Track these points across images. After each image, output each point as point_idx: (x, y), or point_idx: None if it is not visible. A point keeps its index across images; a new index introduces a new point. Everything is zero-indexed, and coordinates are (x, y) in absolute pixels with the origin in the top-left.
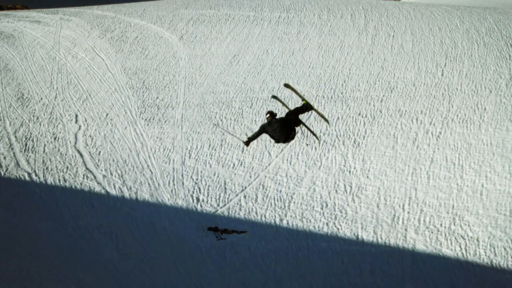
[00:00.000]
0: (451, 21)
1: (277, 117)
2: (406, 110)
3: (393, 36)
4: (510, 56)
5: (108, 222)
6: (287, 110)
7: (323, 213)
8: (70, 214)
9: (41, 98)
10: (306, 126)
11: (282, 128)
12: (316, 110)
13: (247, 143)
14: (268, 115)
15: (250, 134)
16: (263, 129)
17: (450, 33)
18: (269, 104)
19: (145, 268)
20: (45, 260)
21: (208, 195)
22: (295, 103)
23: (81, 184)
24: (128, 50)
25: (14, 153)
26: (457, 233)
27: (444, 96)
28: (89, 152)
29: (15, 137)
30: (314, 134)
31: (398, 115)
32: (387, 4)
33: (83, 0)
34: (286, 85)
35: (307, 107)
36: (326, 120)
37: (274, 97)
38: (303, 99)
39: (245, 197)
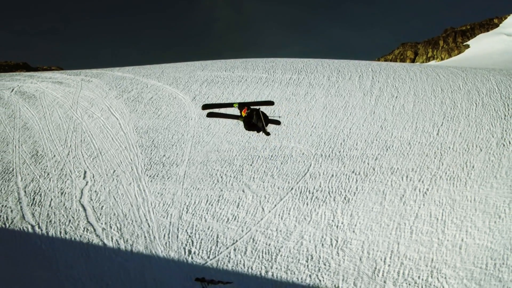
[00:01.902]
0: (454, 82)
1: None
2: (398, 168)
3: (397, 96)
4: (505, 115)
5: (101, 272)
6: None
7: (307, 265)
8: (65, 264)
9: (54, 155)
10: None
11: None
12: (251, 103)
13: (267, 133)
14: (249, 110)
15: (249, 192)
16: (259, 116)
17: (451, 94)
18: (268, 162)
19: None
20: None
21: (200, 248)
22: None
23: (80, 236)
24: (142, 110)
25: (21, 206)
26: (433, 285)
27: (436, 154)
28: (92, 207)
29: (25, 191)
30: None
31: (390, 172)
32: (396, 66)
33: (115, 62)
34: (205, 107)
35: (242, 105)
36: (266, 102)
37: (210, 115)
38: (233, 104)
39: (235, 250)
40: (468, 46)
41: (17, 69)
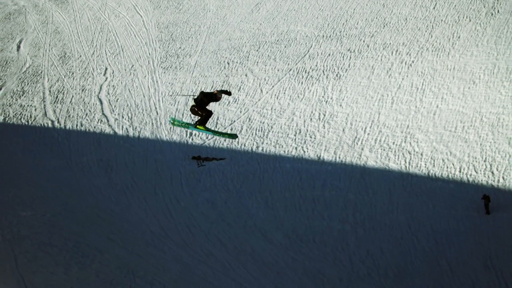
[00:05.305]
0: None
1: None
2: (390, 43)
3: None
4: None
5: (108, 157)
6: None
7: (295, 139)
8: (77, 153)
9: (80, 56)
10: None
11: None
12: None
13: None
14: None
15: (251, 76)
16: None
17: None
18: (273, 47)
19: (126, 192)
20: (41, 189)
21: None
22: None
23: (94, 127)
24: (165, 6)
25: (44, 105)
26: (405, 149)
27: (428, 27)
28: (109, 100)
29: (49, 91)
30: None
31: (382, 48)
32: None
33: None
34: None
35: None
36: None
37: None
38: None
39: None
40: None
41: None
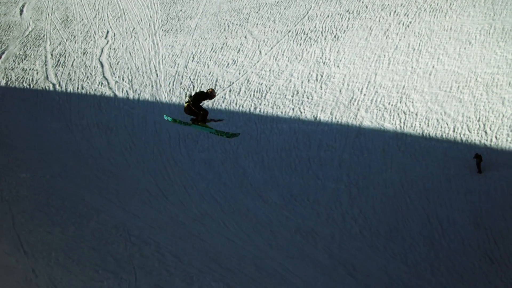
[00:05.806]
0: None
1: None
2: (388, 4)
3: None
4: None
5: (107, 119)
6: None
7: (292, 100)
8: (77, 115)
9: (82, 19)
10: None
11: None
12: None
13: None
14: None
15: (251, 38)
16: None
17: None
18: (273, 8)
19: (124, 153)
20: (41, 152)
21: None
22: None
23: (95, 90)
24: None
25: (46, 68)
26: (401, 110)
27: None
28: (109, 63)
29: (51, 54)
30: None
31: (380, 9)
32: None
33: None
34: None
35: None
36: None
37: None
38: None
39: (230, 91)
40: None
41: None
